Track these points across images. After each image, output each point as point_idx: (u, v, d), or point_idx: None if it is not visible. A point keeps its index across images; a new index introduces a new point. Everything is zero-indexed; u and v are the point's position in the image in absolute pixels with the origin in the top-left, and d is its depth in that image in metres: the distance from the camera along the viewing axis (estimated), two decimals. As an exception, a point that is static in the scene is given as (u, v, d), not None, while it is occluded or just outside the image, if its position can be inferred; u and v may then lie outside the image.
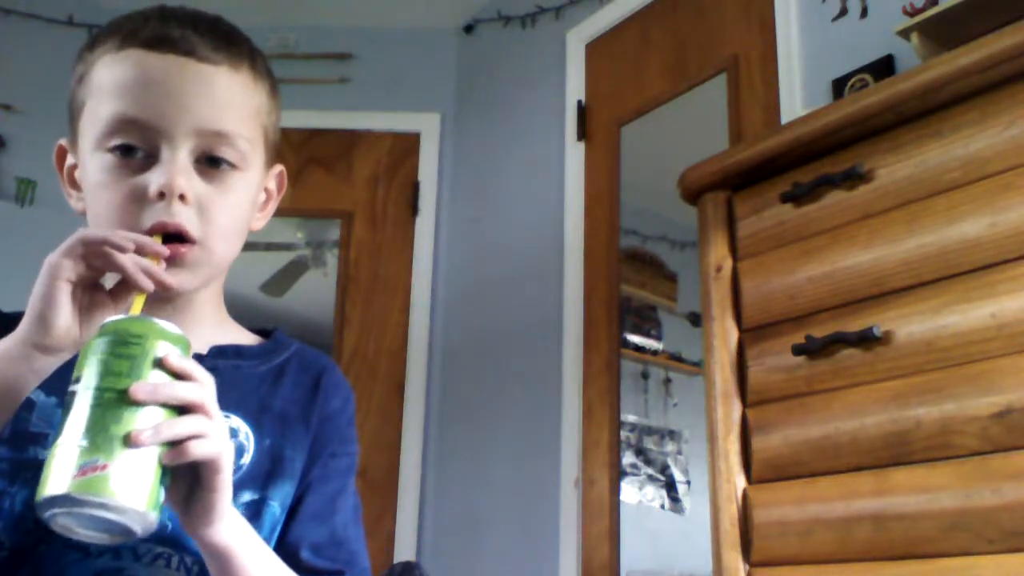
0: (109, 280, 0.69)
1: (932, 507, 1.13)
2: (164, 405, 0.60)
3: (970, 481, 1.10)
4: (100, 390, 0.60)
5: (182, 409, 0.61)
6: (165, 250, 0.70)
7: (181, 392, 0.61)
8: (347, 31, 3.23)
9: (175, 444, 0.60)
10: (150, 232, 0.76)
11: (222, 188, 0.80)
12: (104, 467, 0.57)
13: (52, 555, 0.71)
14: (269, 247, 3.35)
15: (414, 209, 3.09)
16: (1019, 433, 1.08)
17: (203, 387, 0.62)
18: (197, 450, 0.60)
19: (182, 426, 0.60)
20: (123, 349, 0.61)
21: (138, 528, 0.59)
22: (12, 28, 3.05)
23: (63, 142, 0.86)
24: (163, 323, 0.64)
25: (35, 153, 2.91)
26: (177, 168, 0.76)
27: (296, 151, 3.08)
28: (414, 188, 3.11)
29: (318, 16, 3.21)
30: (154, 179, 0.76)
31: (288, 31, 3.20)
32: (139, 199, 0.76)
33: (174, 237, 0.77)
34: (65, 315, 0.66)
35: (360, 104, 3.19)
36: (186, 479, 0.63)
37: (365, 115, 3.19)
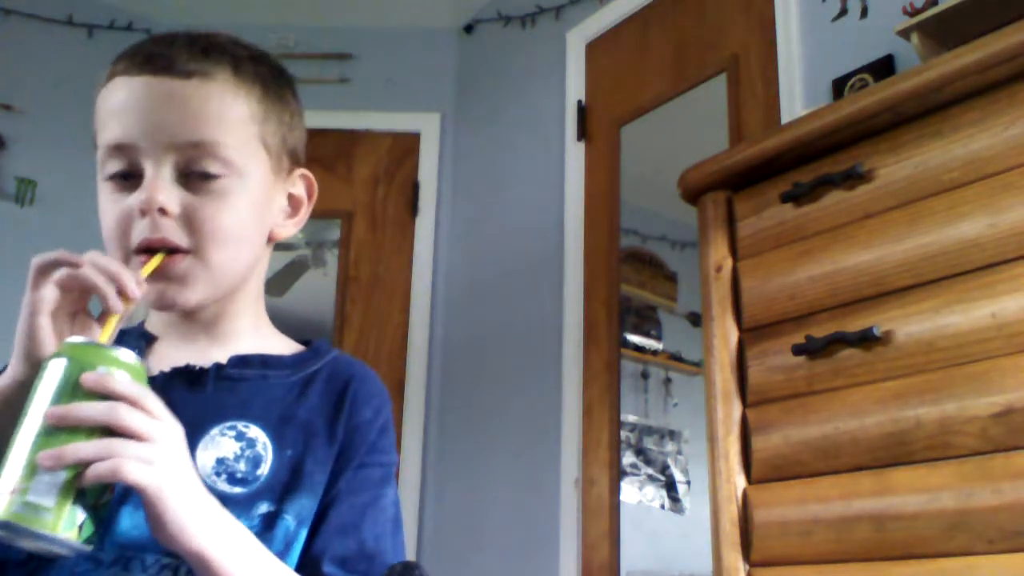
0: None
1: (932, 507, 1.13)
2: (79, 428, 0.62)
3: (970, 481, 1.10)
4: (27, 415, 0.63)
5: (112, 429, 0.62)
6: (136, 291, 0.70)
7: (86, 414, 0.62)
8: (347, 31, 3.23)
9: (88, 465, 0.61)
10: (138, 250, 0.78)
11: (210, 196, 0.80)
12: (14, 491, 0.60)
13: (66, 566, 0.71)
14: (269, 247, 3.35)
15: (414, 209, 3.09)
16: (1019, 433, 1.07)
17: (116, 407, 0.63)
18: (96, 472, 0.61)
19: (84, 450, 0.61)
20: (54, 374, 0.63)
21: (59, 549, 0.61)
22: (12, 28, 3.05)
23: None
24: (104, 347, 0.65)
25: (35, 153, 2.92)
26: (156, 184, 0.77)
27: (296, 151, 3.07)
28: (414, 188, 3.11)
29: (318, 16, 3.21)
30: (136, 197, 0.78)
31: (288, 31, 3.21)
32: (128, 219, 0.78)
33: (172, 252, 0.78)
34: (50, 349, 0.68)
35: (360, 104, 3.19)
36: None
37: (365, 115, 3.19)
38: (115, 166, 0.80)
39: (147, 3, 3.12)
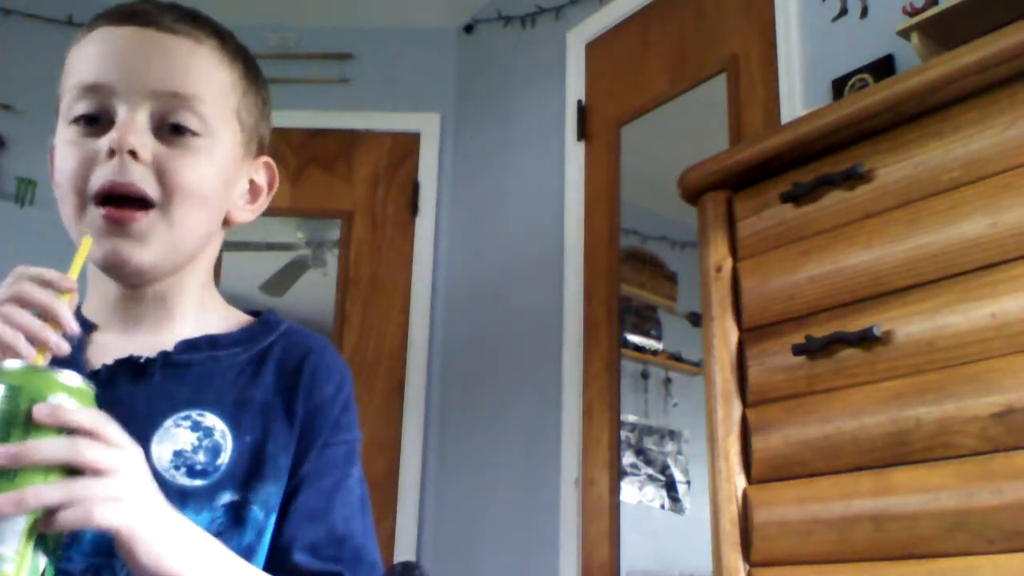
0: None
1: (932, 507, 1.13)
2: (38, 467, 0.57)
3: (970, 481, 1.10)
4: None
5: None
6: (75, 328, 0.65)
7: (45, 454, 0.57)
8: (347, 31, 3.23)
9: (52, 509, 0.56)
10: (100, 193, 0.74)
11: (182, 151, 0.77)
12: None
13: None
14: (269, 247, 3.35)
15: (414, 209, 3.09)
16: (1019, 433, 1.08)
17: (77, 444, 0.58)
18: (65, 520, 0.57)
19: (48, 495, 0.56)
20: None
21: None
22: (12, 28, 3.05)
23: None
24: (48, 371, 0.60)
25: (35, 153, 2.91)
26: (130, 126, 0.74)
27: (296, 151, 3.07)
28: (414, 188, 3.11)
29: (318, 16, 3.21)
30: (106, 138, 0.74)
31: (288, 31, 3.21)
32: (92, 161, 0.75)
33: (128, 202, 0.75)
34: None
35: (360, 104, 3.19)
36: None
37: (365, 115, 3.19)
38: (84, 107, 0.76)
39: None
